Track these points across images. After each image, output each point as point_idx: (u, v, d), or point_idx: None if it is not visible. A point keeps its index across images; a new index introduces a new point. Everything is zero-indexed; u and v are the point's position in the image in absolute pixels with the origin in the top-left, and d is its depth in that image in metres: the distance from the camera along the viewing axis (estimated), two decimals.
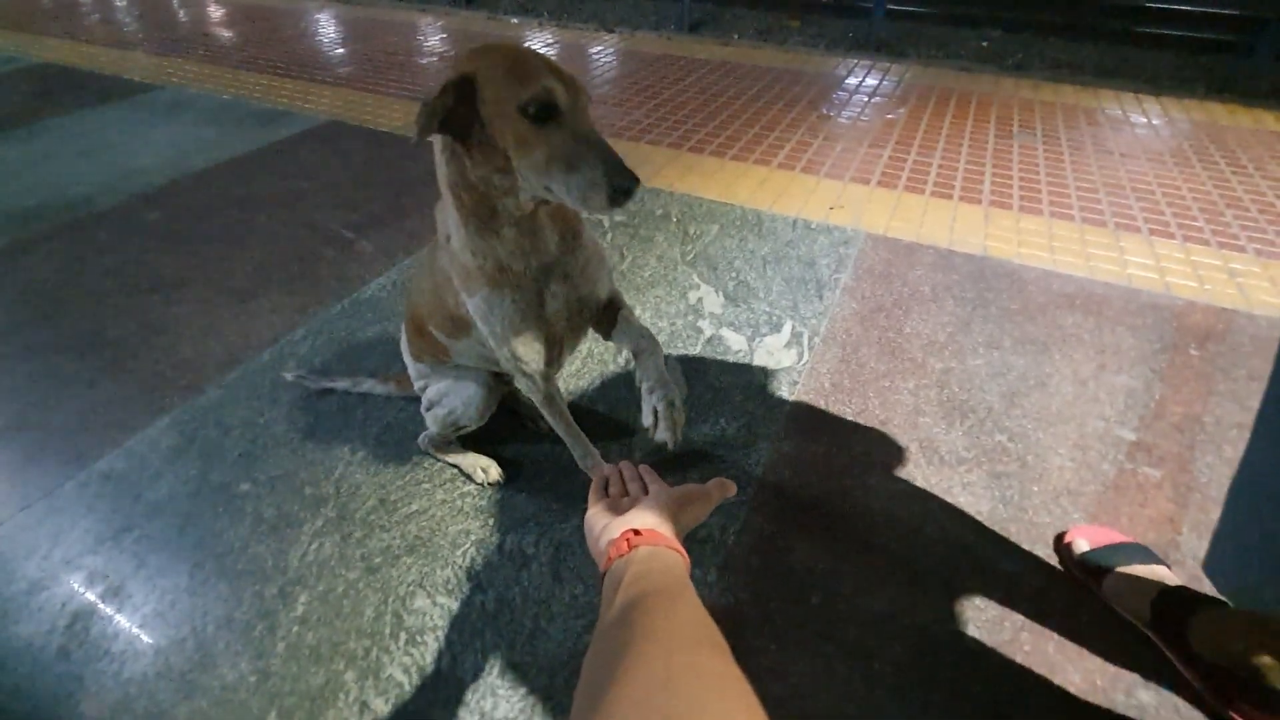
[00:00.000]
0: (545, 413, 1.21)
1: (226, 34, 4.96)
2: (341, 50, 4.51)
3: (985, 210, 2.34)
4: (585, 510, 0.79)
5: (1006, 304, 1.87)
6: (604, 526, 0.72)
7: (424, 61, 4.24)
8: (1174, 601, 1.02)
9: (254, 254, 2.18)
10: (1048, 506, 1.31)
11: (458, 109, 0.79)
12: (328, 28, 5.14)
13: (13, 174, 2.78)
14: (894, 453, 1.42)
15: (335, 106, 3.40)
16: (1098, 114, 3.23)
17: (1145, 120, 3.16)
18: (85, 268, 2.13)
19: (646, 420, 0.93)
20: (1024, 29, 6.31)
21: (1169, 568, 1.11)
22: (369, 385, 1.57)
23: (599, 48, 4.51)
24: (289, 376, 1.60)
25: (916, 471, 1.38)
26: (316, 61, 4.25)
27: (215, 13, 5.64)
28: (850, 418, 1.51)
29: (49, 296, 2.00)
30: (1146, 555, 1.13)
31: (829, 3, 7.15)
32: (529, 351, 1.04)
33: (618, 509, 0.75)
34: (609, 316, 1.12)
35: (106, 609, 1.17)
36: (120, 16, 5.60)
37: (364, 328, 1.85)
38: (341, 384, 1.59)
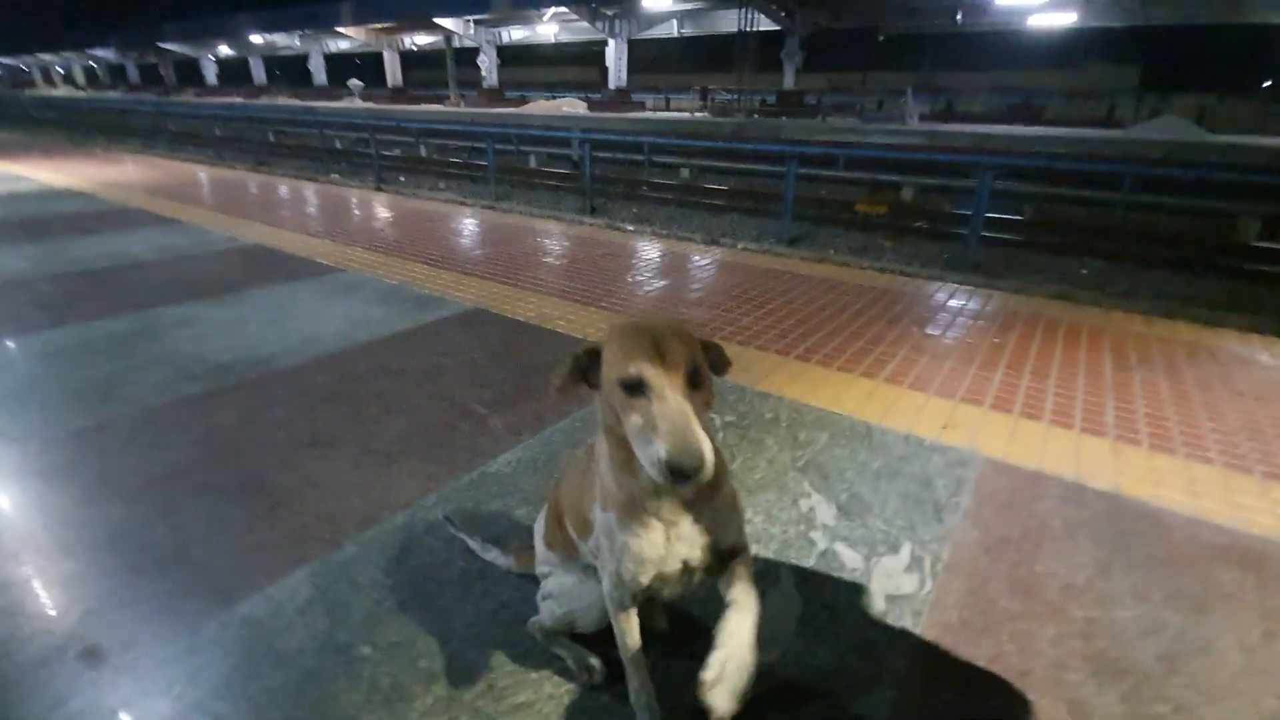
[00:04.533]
0: (615, 624, 1.16)
1: (395, 230, 5.95)
2: (488, 248, 5.28)
3: (1112, 444, 2.27)
4: None
5: (1150, 550, 1.75)
6: None
7: (553, 262, 4.87)
8: None
9: (400, 420, 2.43)
10: None
11: (591, 369, 0.95)
12: (477, 229, 6.07)
13: (216, 333, 3.33)
14: (1039, 713, 1.28)
15: (480, 296, 3.92)
16: (1221, 352, 3.17)
17: (1277, 363, 3.06)
18: (260, 418, 2.44)
19: (709, 675, 0.88)
20: (1125, 260, 6.48)
21: None
22: (494, 555, 1.66)
23: (706, 259, 5.01)
24: (439, 513, 1.82)
25: None
26: (467, 257, 4.98)
27: (385, 213, 6.83)
28: (984, 664, 1.39)
29: (226, 442, 2.29)
30: None
31: (922, 227, 7.73)
32: (638, 573, 1.04)
33: None
34: (725, 563, 1.10)
35: None
36: (312, 210, 6.89)
37: (488, 501, 1.96)
38: (473, 544, 1.71)
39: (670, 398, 0.83)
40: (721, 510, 1.07)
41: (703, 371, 0.91)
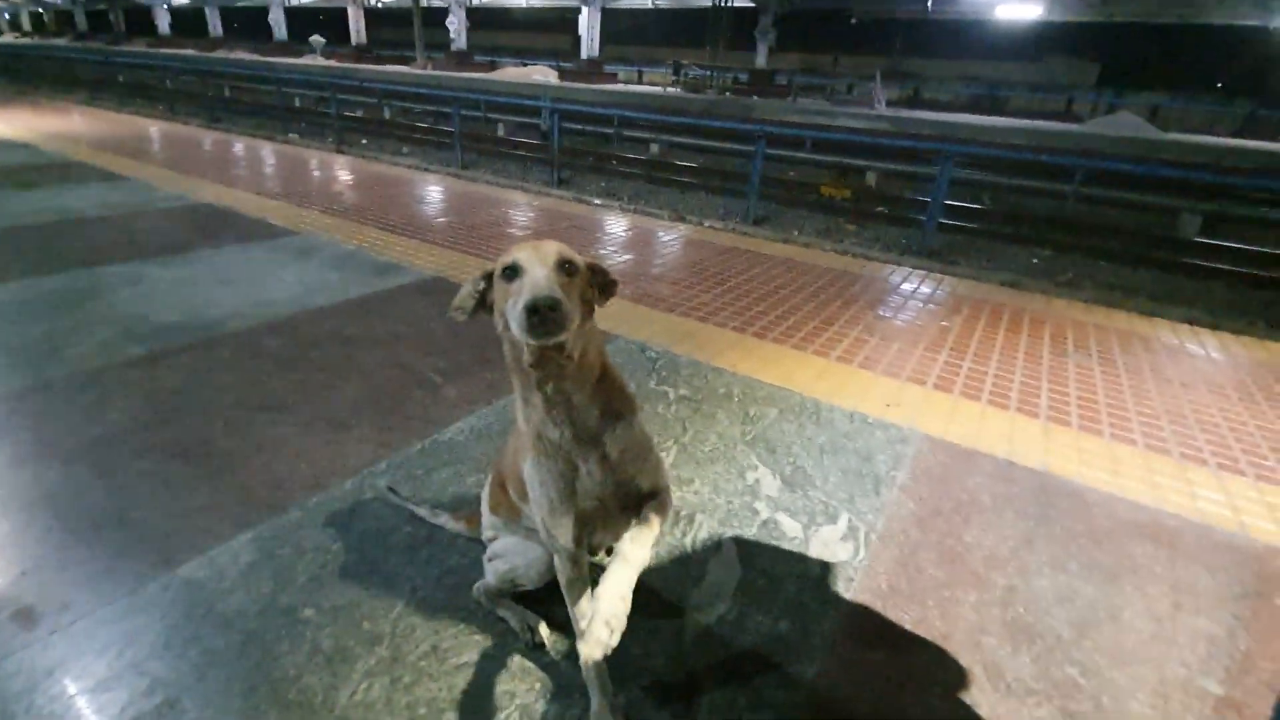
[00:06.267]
0: (566, 597, 1.20)
1: (355, 194, 5.79)
2: (450, 217, 5.18)
3: (1044, 425, 2.39)
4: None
5: (1070, 524, 1.86)
6: None
7: (517, 232, 4.81)
8: None
9: (353, 387, 2.40)
10: None
11: (489, 292, 1.02)
12: (440, 197, 5.94)
13: (163, 293, 3.21)
14: (957, 673, 1.37)
15: (440, 264, 3.86)
16: (1153, 341, 3.34)
17: (1203, 352, 3.24)
18: (207, 382, 2.38)
19: (581, 624, 0.97)
20: (1073, 250, 6.72)
21: None
22: (443, 520, 1.67)
23: (671, 235, 5.02)
24: (383, 483, 1.79)
25: (981, 697, 1.32)
26: (428, 224, 4.88)
27: (344, 176, 6.62)
28: (909, 627, 1.47)
29: (171, 405, 2.23)
30: None
31: (884, 212, 7.86)
32: (556, 524, 1.10)
33: None
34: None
35: None
36: (267, 170, 6.64)
37: (439, 469, 1.97)
38: (421, 510, 1.70)
39: (538, 271, 0.92)
40: (630, 447, 1.10)
41: (576, 263, 0.99)
